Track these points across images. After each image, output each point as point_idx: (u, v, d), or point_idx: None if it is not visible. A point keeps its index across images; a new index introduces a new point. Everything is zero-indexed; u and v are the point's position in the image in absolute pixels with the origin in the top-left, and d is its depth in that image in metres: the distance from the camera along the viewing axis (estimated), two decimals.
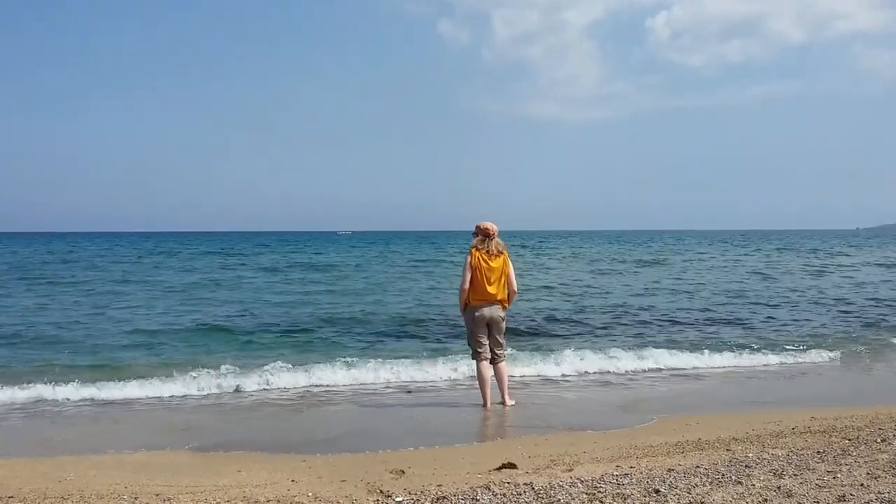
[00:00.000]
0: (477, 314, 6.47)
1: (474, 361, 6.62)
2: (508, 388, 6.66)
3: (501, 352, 6.62)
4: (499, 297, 6.48)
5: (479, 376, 6.60)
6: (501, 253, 6.49)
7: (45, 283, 20.96)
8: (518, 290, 6.71)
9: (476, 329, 6.51)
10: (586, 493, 3.60)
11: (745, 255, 39.88)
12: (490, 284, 6.42)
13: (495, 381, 6.62)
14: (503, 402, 6.55)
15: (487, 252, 6.44)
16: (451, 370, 8.19)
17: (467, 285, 6.45)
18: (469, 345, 6.67)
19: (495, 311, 6.50)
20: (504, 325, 6.64)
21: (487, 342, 6.56)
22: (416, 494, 3.72)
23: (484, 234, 6.51)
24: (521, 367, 8.30)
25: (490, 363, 6.59)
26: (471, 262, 6.45)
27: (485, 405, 6.52)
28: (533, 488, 3.71)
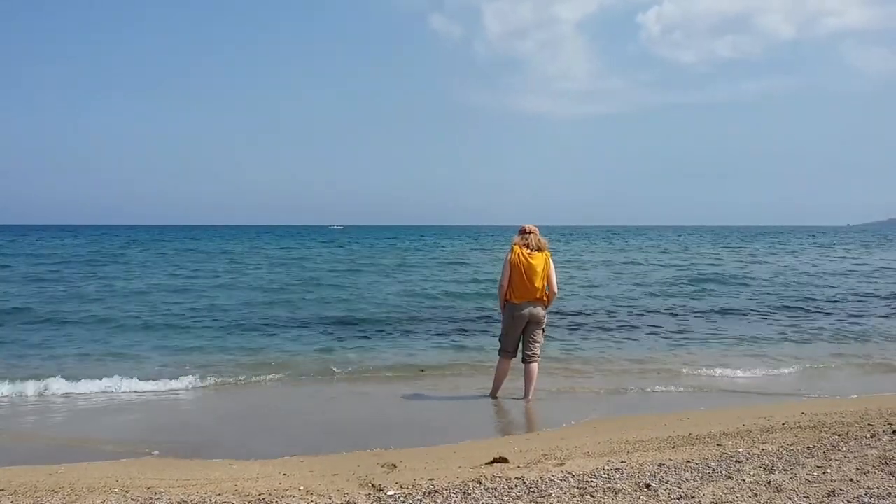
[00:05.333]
0: (517, 313, 6.49)
1: (498, 355, 6.71)
2: (534, 390, 6.64)
3: (536, 351, 6.59)
4: (539, 296, 6.48)
5: (498, 369, 6.69)
6: (542, 250, 6.49)
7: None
8: (557, 291, 6.64)
9: (513, 327, 6.54)
10: (577, 488, 3.61)
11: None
12: (532, 283, 6.41)
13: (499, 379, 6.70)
14: (525, 398, 6.58)
15: (528, 247, 6.47)
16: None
17: (506, 282, 6.47)
18: (500, 339, 6.72)
19: (536, 310, 6.50)
20: (544, 323, 6.64)
21: (519, 341, 6.61)
22: (407, 488, 3.72)
23: (524, 231, 6.57)
24: None
25: (522, 362, 6.63)
26: (510, 259, 6.47)
27: (492, 395, 6.67)
28: (524, 482, 3.72)
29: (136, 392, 6.93)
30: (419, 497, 3.55)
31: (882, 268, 24.96)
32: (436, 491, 3.63)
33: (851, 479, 3.64)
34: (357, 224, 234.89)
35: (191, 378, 7.39)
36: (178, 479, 4.05)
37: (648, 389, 7.24)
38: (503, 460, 4.28)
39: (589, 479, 3.75)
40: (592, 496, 3.48)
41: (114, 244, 44.48)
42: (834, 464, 3.96)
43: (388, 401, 6.73)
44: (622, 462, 4.16)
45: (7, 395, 6.69)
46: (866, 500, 3.31)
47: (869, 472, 3.79)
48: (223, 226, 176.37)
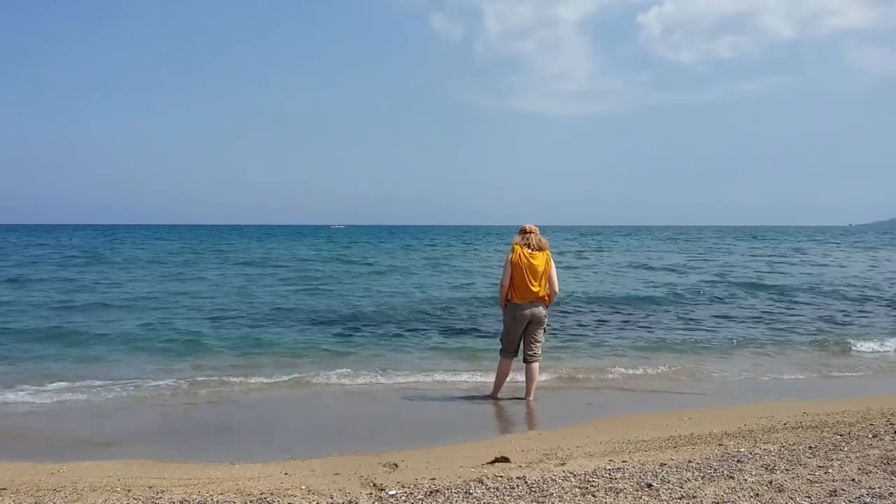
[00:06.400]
0: (519, 313, 6.49)
1: (499, 355, 6.71)
2: (535, 389, 6.64)
3: (537, 351, 6.60)
4: (541, 295, 6.49)
5: (500, 369, 6.69)
6: (543, 249, 6.50)
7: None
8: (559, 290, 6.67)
9: (514, 327, 6.54)
10: (579, 487, 3.61)
11: None
12: (533, 283, 6.41)
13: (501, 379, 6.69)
14: (526, 398, 6.58)
15: (529, 247, 6.47)
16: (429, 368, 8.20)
17: (507, 282, 6.47)
18: (500, 340, 6.73)
19: (538, 310, 6.51)
20: (546, 323, 6.66)
21: (520, 341, 6.62)
22: (409, 488, 3.72)
23: (524, 231, 6.58)
24: None
25: (524, 362, 6.64)
26: (511, 259, 6.47)
27: (492, 395, 6.67)
28: (526, 482, 3.72)
29: (137, 392, 6.93)
30: (421, 496, 3.56)
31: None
32: (437, 490, 3.63)
33: (853, 479, 3.64)
34: (358, 224, 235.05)
35: (192, 378, 7.40)
36: (179, 479, 4.06)
37: (650, 389, 7.25)
38: (505, 460, 4.29)
39: (590, 479, 3.75)
40: (594, 496, 3.48)
41: (113, 244, 44.62)
42: (836, 463, 3.96)
43: (389, 401, 6.73)
44: (624, 462, 4.16)
45: (8, 396, 6.69)
46: (868, 500, 3.31)
47: (871, 471, 3.79)
48: (223, 226, 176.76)
